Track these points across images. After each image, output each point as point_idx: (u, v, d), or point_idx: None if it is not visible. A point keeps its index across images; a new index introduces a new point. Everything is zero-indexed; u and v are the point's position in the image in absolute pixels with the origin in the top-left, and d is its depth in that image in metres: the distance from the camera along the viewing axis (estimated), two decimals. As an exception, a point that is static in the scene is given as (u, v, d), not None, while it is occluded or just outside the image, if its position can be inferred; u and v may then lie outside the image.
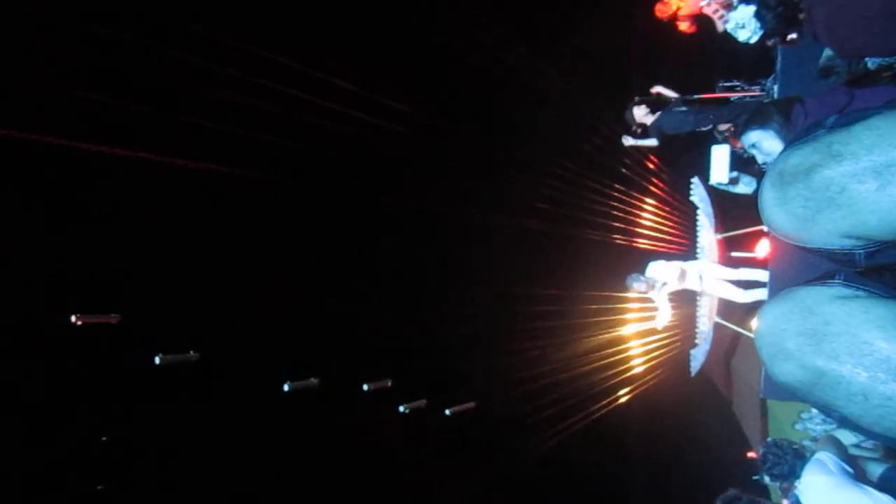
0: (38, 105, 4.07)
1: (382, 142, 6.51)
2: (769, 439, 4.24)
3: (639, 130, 7.44)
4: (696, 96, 7.20)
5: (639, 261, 7.59)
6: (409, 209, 6.81)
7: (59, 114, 4.18)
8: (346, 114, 6.01)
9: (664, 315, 7.52)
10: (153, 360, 4.68)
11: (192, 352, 4.88)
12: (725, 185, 6.99)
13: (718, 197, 8.66)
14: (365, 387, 6.38)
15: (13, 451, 4.02)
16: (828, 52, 3.40)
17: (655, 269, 7.29)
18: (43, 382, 4.26)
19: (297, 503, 5.91)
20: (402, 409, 6.86)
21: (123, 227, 4.60)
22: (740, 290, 7.29)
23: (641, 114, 7.34)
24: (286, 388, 5.55)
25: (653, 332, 9.92)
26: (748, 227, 7.74)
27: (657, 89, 7.31)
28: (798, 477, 3.68)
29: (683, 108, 7.21)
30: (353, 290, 6.35)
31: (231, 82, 5.10)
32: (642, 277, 7.31)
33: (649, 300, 7.75)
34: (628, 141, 7.55)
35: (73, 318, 4.31)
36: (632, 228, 10.01)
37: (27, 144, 4.00)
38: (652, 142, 7.38)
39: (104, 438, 4.58)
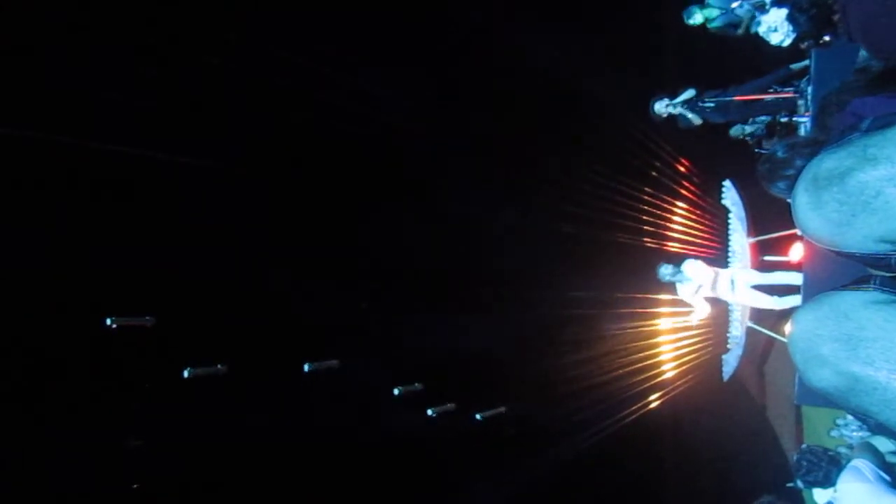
0: (75, 107, 4.14)
1: (411, 145, 6.53)
2: (804, 445, 4.19)
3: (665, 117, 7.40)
4: (728, 98, 7.13)
5: (669, 262, 7.52)
6: (438, 212, 6.82)
7: (98, 117, 4.25)
8: (374, 116, 6.04)
9: (699, 313, 7.45)
10: (183, 372, 4.74)
11: (220, 365, 4.94)
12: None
13: (751, 200, 8.59)
14: (396, 391, 6.40)
15: (47, 452, 4.09)
16: (864, 53, 3.36)
17: (691, 267, 7.21)
18: (79, 384, 4.33)
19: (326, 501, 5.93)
20: (430, 412, 6.87)
21: (159, 231, 4.66)
22: (773, 298, 7.19)
23: (663, 106, 7.31)
24: (307, 367, 5.57)
25: (685, 335, 9.85)
26: (781, 230, 7.65)
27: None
28: (833, 484, 3.64)
29: (711, 104, 7.16)
30: (384, 294, 6.38)
31: (271, 87, 5.15)
32: (672, 268, 7.24)
33: (682, 303, 7.70)
34: (671, 109, 7.39)
35: (109, 322, 4.37)
36: (663, 232, 9.95)
37: (63, 147, 4.08)
38: (696, 118, 7.25)
39: (139, 442, 4.64)
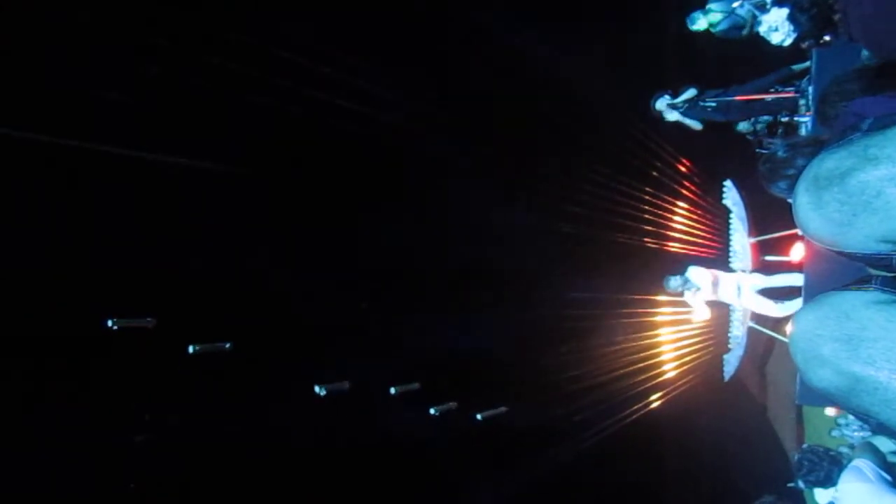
0: (75, 108, 4.14)
1: (410, 144, 6.53)
2: (805, 445, 4.19)
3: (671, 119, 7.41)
4: (728, 98, 7.13)
5: (671, 264, 7.53)
6: (439, 212, 6.82)
7: (98, 117, 4.25)
8: (372, 115, 6.05)
9: (701, 314, 7.46)
10: (186, 356, 4.74)
11: (226, 344, 4.93)
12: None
13: (752, 200, 8.59)
14: (392, 390, 6.40)
15: (47, 454, 4.09)
16: (865, 52, 3.36)
17: (695, 273, 7.24)
18: (79, 385, 4.33)
19: (324, 501, 5.93)
20: (432, 411, 6.88)
21: (160, 232, 4.66)
22: (779, 305, 7.19)
23: (664, 104, 7.33)
24: (320, 392, 5.59)
25: (685, 336, 9.85)
26: (783, 230, 7.65)
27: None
28: (835, 484, 3.64)
29: (712, 103, 7.17)
30: (384, 293, 6.38)
31: (271, 86, 5.15)
32: (680, 278, 7.26)
33: (682, 303, 7.70)
34: (672, 115, 7.43)
35: (110, 323, 4.37)
36: (663, 232, 9.95)
37: (64, 147, 4.08)
38: (696, 124, 7.29)
39: (138, 439, 4.64)
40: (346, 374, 5.79)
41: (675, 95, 7.32)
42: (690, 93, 7.24)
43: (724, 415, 9.49)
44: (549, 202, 8.34)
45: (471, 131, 7.08)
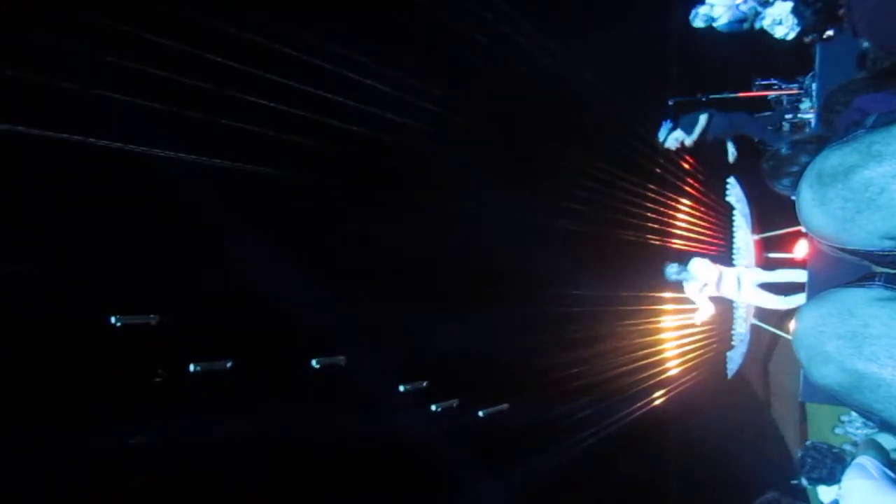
0: (77, 106, 4.15)
1: (415, 143, 6.52)
2: (808, 442, 4.18)
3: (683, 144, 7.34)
4: (731, 95, 7.11)
5: (674, 261, 7.50)
6: (439, 209, 6.82)
7: (100, 116, 4.25)
8: (377, 114, 6.04)
9: (705, 312, 7.43)
10: (188, 367, 4.76)
11: (227, 363, 4.95)
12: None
13: (756, 197, 8.58)
14: (401, 388, 6.41)
15: (48, 452, 4.10)
16: (868, 47, 3.34)
17: (698, 266, 7.20)
18: (83, 382, 4.33)
19: (326, 497, 5.94)
20: (433, 408, 6.88)
21: (163, 230, 4.66)
22: (779, 298, 7.17)
23: (676, 138, 7.28)
24: (315, 364, 5.59)
25: (689, 333, 9.84)
26: (786, 227, 7.64)
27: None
28: (838, 481, 3.63)
29: (723, 122, 7.12)
30: (386, 292, 6.38)
31: (275, 85, 5.15)
32: (678, 266, 7.23)
33: (686, 300, 7.68)
34: (675, 143, 7.35)
35: (113, 320, 4.38)
36: (666, 229, 9.93)
37: (69, 145, 4.08)
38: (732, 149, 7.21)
39: (140, 436, 4.64)
40: (348, 371, 5.80)
41: (675, 123, 7.24)
42: (703, 119, 7.14)
43: (726, 412, 9.48)
44: (552, 200, 8.34)
45: (474, 131, 7.08)
